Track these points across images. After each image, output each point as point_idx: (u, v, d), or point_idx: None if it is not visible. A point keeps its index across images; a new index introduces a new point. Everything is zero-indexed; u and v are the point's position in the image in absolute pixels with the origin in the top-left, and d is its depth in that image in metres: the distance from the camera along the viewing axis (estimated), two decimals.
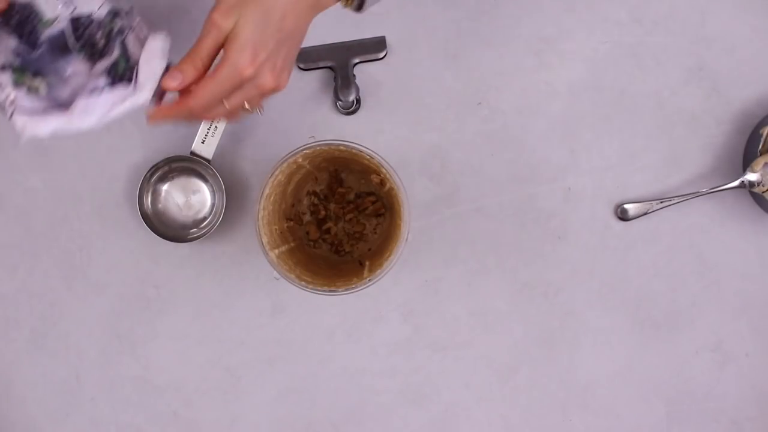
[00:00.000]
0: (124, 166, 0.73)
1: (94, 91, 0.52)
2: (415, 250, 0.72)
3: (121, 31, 0.53)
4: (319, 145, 0.62)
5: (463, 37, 0.73)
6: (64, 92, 0.52)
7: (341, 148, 0.62)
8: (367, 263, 0.66)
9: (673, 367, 0.72)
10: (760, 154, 0.70)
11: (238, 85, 0.51)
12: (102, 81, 0.52)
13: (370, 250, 0.70)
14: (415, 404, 0.72)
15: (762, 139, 0.69)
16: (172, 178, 0.72)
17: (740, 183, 0.70)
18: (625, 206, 0.71)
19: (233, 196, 0.72)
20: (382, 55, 0.72)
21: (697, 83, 0.73)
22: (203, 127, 0.68)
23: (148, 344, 0.72)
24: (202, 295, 0.72)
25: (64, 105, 0.51)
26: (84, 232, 0.73)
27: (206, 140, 0.69)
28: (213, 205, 0.73)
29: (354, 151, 0.62)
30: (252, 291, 0.72)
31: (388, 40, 0.72)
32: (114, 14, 0.53)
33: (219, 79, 0.50)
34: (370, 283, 0.61)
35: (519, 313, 0.72)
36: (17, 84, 0.51)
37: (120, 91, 0.52)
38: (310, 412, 0.72)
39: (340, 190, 0.70)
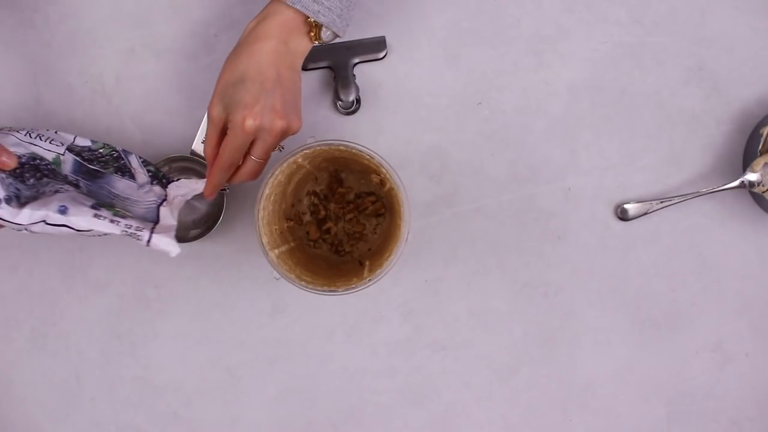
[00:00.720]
0: None
1: (151, 203, 0.64)
2: (415, 250, 0.72)
3: (119, 150, 0.65)
4: (319, 145, 0.62)
5: (463, 37, 0.73)
6: (137, 208, 0.63)
7: (341, 148, 0.62)
8: (367, 263, 0.66)
9: (673, 367, 0.72)
10: (760, 154, 0.70)
11: (249, 138, 0.58)
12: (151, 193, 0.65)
13: (370, 250, 0.70)
14: (415, 404, 0.72)
15: (762, 139, 0.69)
16: (172, 178, 0.72)
17: (740, 183, 0.70)
18: (625, 206, 0.71)
19: (233, 196, 0.72)
20: (382, 55, 0.72)
21: (697, 83, 0.73)
22: (203, 127, 0.68)
23: (148, 344, 0.72)
24: (202, 295, 0.72)
25: (151, 221, 0.61)
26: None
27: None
28: (212, 205, 0.73)
29: (354, 151, 0.62)
30: (252, 291, 0.72)
31: (388, 40, 0.72)
32: (92, 142, 0.64)
33: (229, 139, 0.59)
34: (370, 283, 0.61)
35: (519, 313, 0.72)
36: (116, 216, 0.58)
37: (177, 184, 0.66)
38: (310, 412, 0.72)
39: (340, 190, 0.70)
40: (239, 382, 0.72)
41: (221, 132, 0.60)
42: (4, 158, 0.56)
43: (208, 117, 0.60)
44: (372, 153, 0.61)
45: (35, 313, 0.73)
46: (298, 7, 0.58)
